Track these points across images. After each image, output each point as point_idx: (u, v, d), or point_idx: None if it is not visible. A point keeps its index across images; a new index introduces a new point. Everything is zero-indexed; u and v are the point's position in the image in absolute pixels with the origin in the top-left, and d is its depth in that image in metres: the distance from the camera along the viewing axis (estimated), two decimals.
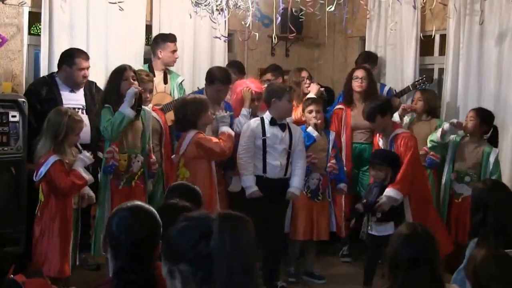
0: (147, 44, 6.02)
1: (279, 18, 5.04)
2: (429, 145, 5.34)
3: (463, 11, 5.73)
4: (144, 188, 4.68)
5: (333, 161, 5.25)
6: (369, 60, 6.20)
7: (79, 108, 5.02)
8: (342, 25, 5.89)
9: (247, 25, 4.91)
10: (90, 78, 5.21)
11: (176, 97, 5.50)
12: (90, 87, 5.17)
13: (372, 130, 5.60)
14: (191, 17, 5.35)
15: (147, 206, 2.40)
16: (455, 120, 5.25)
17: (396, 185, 4.72)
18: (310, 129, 5.10)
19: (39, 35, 5.37)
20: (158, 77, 5.58)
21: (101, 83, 5.45)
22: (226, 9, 4.84)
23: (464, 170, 5.14)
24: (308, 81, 5.76)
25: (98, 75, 5.42)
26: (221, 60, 6.26)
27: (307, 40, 7.15)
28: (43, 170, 4.11)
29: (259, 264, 1.68)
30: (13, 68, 5.24)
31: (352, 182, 5.73)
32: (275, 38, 5.64)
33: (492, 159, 5.02)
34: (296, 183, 4.88)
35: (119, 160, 4.52)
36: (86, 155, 4.28)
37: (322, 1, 4.80)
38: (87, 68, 5.05)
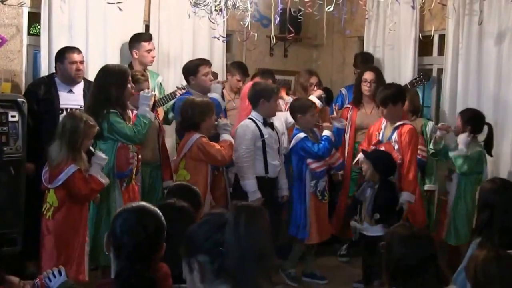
0: None
1: (278, 18, 5.03)
2: (431, 152, 5.35)
3: (462, 11, 5.72)
4: (139, 186, 4.68)
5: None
6: (367, 62, 6.20)
7: (77, 109, 5.02)
8: (340, 26, 5.89)
9: (245, 26, 4.91)
10: (89, 78, 5.20)
11: (165, 94, 5.50)
12: (89, 87, 5.17)
13: None
14: (189, 17, 5.35)
15: (152, 207, 2.38)
16: (439, 124, 5.27)
17: (408, 188, 4.85)
18: (328, 133, 5.11)
19: (39, 36, 5.37)
20: None
21: None
22: (225, 9, 4.84)
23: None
24: (316, 88, 5.75)
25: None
26: (219, 60, 6.26)
27: (306, 40, 7.15)
28: (61, 178, 4.08)
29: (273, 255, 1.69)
30: (12, 68, 5.24)
31: (350, 182, 5.78)
32: (273, 38, 5.63)
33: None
34: (286, 184, 5.10)
35: None
36: (101, 157, 4.23)
37: (320, 2, 4.80)
38: (80, 62, 5.04)
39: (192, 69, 5.30)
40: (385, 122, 5.15)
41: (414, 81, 5.91)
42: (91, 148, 4.28)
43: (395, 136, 4.97)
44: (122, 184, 4.53)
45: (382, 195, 4.75)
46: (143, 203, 2.42)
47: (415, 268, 2.50)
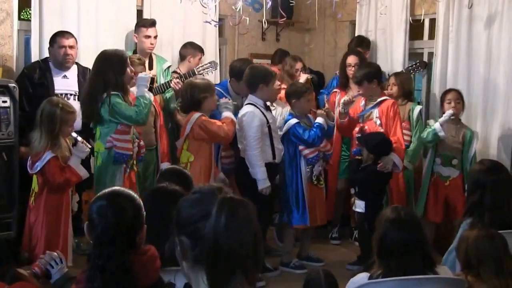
0: None
1: (270, 2, 5.03)
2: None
3: None
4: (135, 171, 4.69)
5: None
6: (362, 45, 6.21)
7: (71, 94, 5.02)
8: (332, 10, 5.88)
9: (237, 10, 4.90)
10: (82, 63, 5.19)
11: (161, 83, 5.48)
12: (84, 73, 5.15)
13: None
14: (181, 2, 5.34)
15: (126, 191, 2.37)
16: (451, 114, 5.13)
17: (400, 155, 4.91)
18: (321, 120, 5.08)
19: (29, 20, 5.35)
20: None
21: None
22: None
23: (449, 154, 5.17)
24: (301, 73, 5.74)
25: (89, 60, 5.38)
26: (212, 45, 6.26)
27: (298, 24, 7.15)
28: (39, 165, 4.12)
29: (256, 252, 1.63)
30: (3, 54, 5.22)
31: (340, 165, 5.83)
32: (265, 23, 5.63)
33: (474, 143, 5.11)
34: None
35: None
36: (81, 150, 4.26)
37: None
38: (70, 46, 5.03)
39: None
40: (363, 101, 5.20)
41: (410, 67, 5.95)
42: (76, 136, 4.30)
43: (376, 113, 5.04)
44: (126, 170, 4.50)
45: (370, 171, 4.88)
46: (118, 188, 2.42)
47: (397, 250, 2.54)
